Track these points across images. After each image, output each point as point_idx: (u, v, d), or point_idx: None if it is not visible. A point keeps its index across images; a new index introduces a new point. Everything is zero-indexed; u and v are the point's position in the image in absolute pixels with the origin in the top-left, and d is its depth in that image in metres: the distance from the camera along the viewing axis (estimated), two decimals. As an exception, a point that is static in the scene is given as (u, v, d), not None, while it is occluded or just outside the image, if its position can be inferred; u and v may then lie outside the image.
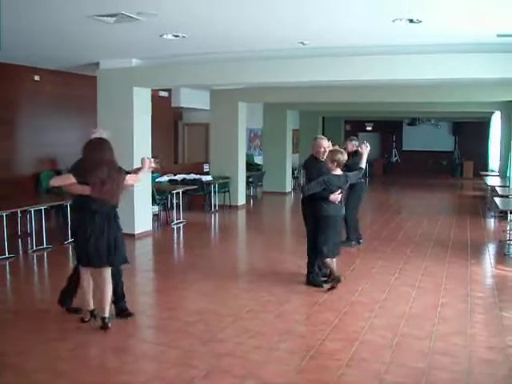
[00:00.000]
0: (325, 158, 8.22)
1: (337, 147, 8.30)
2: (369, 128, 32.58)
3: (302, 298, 7.71)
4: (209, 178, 16.28)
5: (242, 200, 17.45)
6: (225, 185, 16.79)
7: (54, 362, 5.62)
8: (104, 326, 6.42)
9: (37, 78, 13.01)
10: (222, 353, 5.87)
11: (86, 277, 6.66)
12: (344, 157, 8.00)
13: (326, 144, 8.45)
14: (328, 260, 8.21)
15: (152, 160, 7.31)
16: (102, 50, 10.77)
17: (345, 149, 9.99)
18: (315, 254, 8.31)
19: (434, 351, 5.91)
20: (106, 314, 6.46)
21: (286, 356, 5.91)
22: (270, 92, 16.24)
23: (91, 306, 6.71)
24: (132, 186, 7.42)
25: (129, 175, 6.88)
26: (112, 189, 6.52)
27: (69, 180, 6.46)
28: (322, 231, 8.09)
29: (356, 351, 5.91)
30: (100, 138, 6.68)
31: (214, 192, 16.17)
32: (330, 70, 10.08)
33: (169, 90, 17.59)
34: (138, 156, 11.62)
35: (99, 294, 6.57)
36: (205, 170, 17.71)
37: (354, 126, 32.41)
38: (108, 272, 6.54)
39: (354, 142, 11.33)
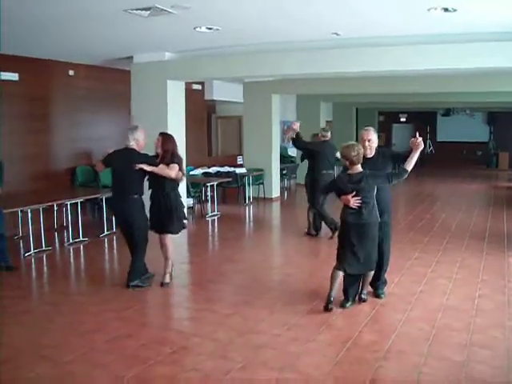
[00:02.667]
0: (372, 153, 7.10)
1: (353, 142, 6.92)
2: (403, 119, 32.35)
3: (337, 289, 7.66)
4: (243, 170, 16.30)
5: (276, 192, 17.43)
6: (259, 177, 16.78)
7: (90, 354, 5.69)
8: None
9: (71, 72, 13.09)
10: (258, 345, 5.88)
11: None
12: (360, 151, 6.71)
13: (371, 136, 7.12)
14: (336, 273, 6.98)
15: None
16: (136, 43, 10.82)
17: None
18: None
19: (472, 344, 5.86)
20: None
21: (323, 348, 5.90)
22: (304, 84, 16.16)
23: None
24: None
25: None
26: None
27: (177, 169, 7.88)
28: (340, 237, 7.10)
29: (393, 343, 5.88)
30: None
31: (248, 184, 16.19)
32: (364, 60, 9.98)
33: (202, 83, 17.60)
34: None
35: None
36: (238, 163, 17.72)
37: (388, 117, 32.26)
38: None
39: (324, 133, 11.32)
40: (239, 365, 5.37)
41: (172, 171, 7.76)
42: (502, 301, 7.28)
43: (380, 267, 7.26)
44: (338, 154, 10.38)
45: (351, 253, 6.84)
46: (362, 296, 7.19)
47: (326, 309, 6.86)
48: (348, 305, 6.99)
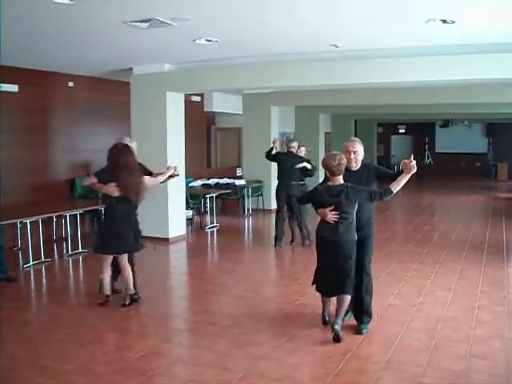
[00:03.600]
0: (357, 166, 6.56)
1: (336, 152, 6.39)
2: (401, 130, 32.42)
3: (336, 302, 7.64)
4: (242, 182, 16.30)
5: (275, 204, 17.34)
6: (258, 189, 16.78)
7: (89, 365, 5.67)
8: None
9: (71, 84, 13.12)
10: (258, 356, 5.87)
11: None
12: (342, 161, 6.20)
13: (357, 148, 6.55)
14: (323, 298, 6.79)
15: (175, 168, 8.01)
16: (136, 55, 10.85)
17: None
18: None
19: (471, 354, 5.85)
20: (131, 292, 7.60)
21: (323, 359, 5.88)
22: (302, 95, 16.22)
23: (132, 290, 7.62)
24: (151, 187, 7.82)
25: (147, 177, 7.63)
26: (137, 188, 7.42)
27: (92, 180, 7.54)
28: (317, 255, 6.71)
29: (393, 354, 5.87)
30: (124, 144, 7.62)
31: (248, 196, 16.19)
32: (363, 72, 9.99)
33: (201, 95, 17.64)
34: (171, 160, 11.79)
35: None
36: (238, 174, 17.74)
37: (387, 129, 32.30)
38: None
39: (293, 144, 11.69)
40: (239, 375, 5.36)
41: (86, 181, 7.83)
42: (502, 312, 7.28)
43: (358, 289, 6.51)
44: (300, 165, 11.03)
45: (323, 270, 6.52)
46: (335, 326, 6.26)
47: (324, 324, 6.72)
48: (347, 317, 6.78)
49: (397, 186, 6.21)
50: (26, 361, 5.75)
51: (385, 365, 5.61)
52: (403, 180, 6.19)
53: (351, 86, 12.20)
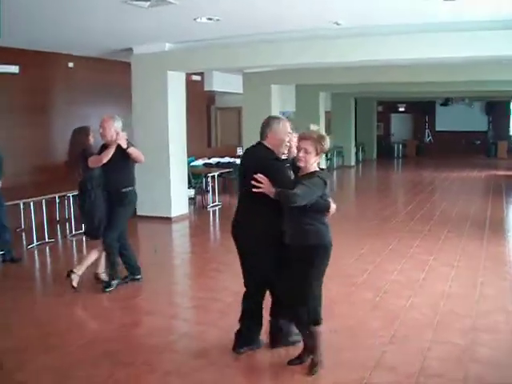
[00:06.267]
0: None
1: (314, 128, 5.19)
2: (401, 109, 32.35)
3: (340, 277, 7.66)
4: (243, 161, 16.25)
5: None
6: (259, 168, 16.71)
7: (98, 342, 5.71)
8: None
9: (71, 65, 13.08)
10: (262, 331, 5.90)
11: None
12: None
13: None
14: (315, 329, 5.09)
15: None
16: (136, 34, 10.80)
17: None
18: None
19: (475, 328, 5.90)
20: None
21: (329, 334, 5.89)
22: (303, 74, 16.18)
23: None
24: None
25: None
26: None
27: None
28: (314, 273, 5.08)
29: (398, 329, 5.92)
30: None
31: (249, 175, 16.14)
32: (364, 49, 9.99)
33: (201, 74, 17.60)
34: (173, 140, 11.82)
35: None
36: (238, 154, 17.73)
37: (387, 107, 32.22)
38: None
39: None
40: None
41: None
42: (504, 286, 7.35)
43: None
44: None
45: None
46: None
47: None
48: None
49: None
50: (34, 340, 5.79)
51: (390, 339, 5.65)
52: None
53: (352, 63, 12.16)
